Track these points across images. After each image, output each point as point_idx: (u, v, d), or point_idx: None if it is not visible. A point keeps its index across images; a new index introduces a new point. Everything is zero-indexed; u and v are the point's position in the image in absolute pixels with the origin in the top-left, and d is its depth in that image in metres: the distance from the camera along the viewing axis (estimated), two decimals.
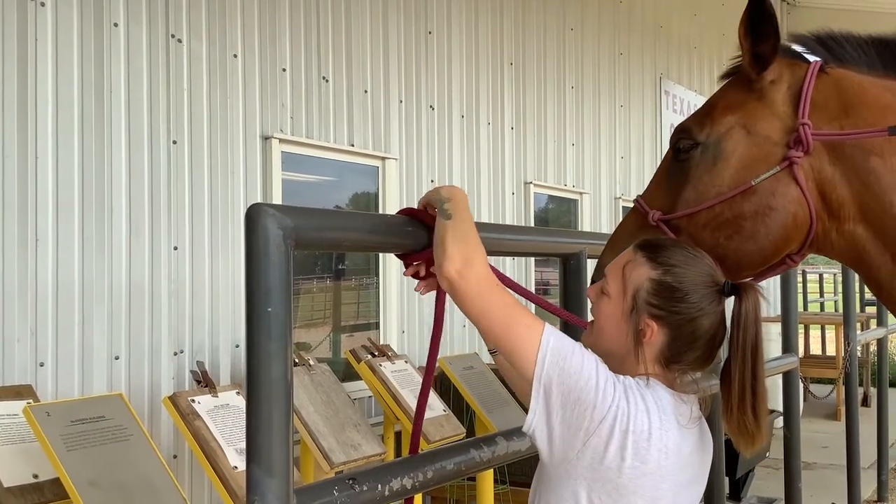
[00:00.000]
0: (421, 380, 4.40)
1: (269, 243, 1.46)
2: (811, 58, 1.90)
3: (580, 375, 1.51)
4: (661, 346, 1.62)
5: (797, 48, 1.93)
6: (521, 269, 6.98)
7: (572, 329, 2.25)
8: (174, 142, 4.18)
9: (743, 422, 1.60)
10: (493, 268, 1.70)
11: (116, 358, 3.88)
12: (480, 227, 1.80)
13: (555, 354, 1.51)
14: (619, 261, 1.69)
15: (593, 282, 1.96)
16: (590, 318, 1.79)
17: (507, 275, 1.82)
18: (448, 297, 1.72)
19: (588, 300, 1.76)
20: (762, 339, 1.63)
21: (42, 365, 3.60)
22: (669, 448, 1.53)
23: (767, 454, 6.94)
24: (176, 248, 4.16)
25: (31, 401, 3.01)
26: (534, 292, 6.82)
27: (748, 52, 1.84)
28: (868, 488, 7.00)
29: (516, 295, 1.69)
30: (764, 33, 1.81)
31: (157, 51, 4.13)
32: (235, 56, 4.52)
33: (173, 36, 4.21)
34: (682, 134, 1.93)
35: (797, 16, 11.72)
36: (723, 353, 1.71)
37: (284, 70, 4.81)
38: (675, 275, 1.62)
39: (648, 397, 1.54)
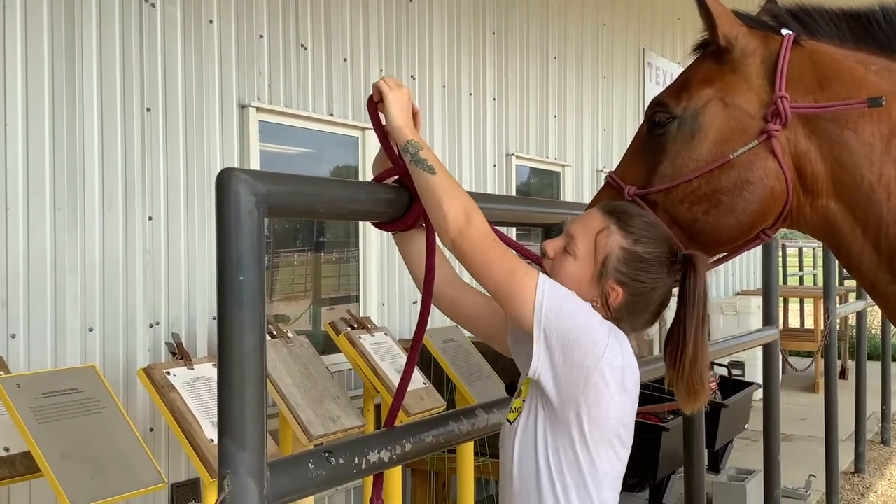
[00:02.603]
0: (400, 352, 4.38)
1: (240, 210, 1.41)
2: (784, 31, 1.87)
3: (576, 317, 1.61)
4: (617, 307, 1.71)
5: (769, 21, 1.90)
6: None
7: None
8: (148, 109, 4.09)
9: (692, 380, 1.70)
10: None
11: (90, 329, 3.81)
12: None
13: (551, 299, 1.61)
14: (591, 225, 1.72)
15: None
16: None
17: None
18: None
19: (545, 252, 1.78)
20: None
21: (13, 336, 3.53)
22: (637, 379, 1.70)
23: (746, 426, 6.98)
24: (151, 219, 4.08)
25: (1, 373, 2.95)
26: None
27: (705, 26, 1.87)
28: (846, 460, 7.07)
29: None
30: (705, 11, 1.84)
31: (130, 16, 4.02)
32: (211, 22, 4.42)
33: (146, 0, 4.10)
34: (658, 108, 1.90)
35: None
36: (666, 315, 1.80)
37: (262, 37, 4.71)
38: (644, 244, 1.70)
39: (621, 336, 1.69)
